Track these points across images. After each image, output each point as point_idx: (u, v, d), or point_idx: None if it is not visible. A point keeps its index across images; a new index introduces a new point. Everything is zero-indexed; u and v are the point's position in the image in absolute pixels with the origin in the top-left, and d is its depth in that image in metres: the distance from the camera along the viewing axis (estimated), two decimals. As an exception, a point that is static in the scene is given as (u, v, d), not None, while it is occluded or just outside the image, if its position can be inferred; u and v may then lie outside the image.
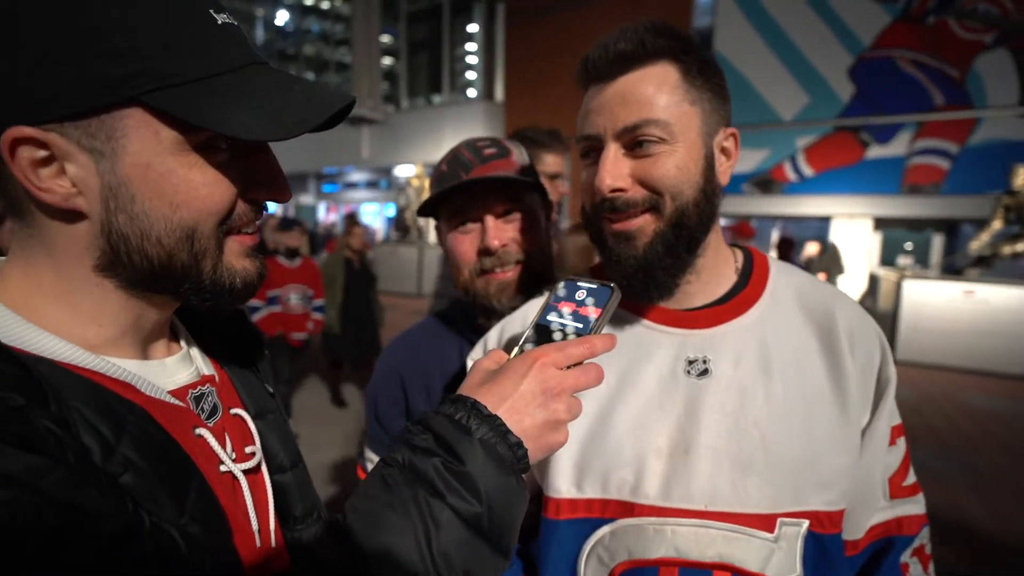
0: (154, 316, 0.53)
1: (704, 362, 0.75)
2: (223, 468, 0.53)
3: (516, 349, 0.60)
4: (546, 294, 0.65)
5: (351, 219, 5.47)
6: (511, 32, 11.97)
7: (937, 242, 10.10)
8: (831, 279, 7.93)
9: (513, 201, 0.97)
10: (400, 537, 0.45)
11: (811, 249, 8.08)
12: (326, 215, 20.81)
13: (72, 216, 0.46)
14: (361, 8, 14.17)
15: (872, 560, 0.80)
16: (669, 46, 0.71)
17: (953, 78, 8.43)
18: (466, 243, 0.98)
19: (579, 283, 0.64)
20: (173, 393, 0.53)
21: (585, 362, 0.57)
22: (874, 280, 8.64)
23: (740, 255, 0.84)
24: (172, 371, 0.56)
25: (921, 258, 10.87)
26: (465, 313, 1.09)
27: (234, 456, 0.56)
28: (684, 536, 0.69)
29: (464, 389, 0.55)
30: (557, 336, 0.60)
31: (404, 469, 0.49)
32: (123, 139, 0.44)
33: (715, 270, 0.79)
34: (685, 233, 0.72)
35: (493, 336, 0.89)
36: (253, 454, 0.59)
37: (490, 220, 0.96)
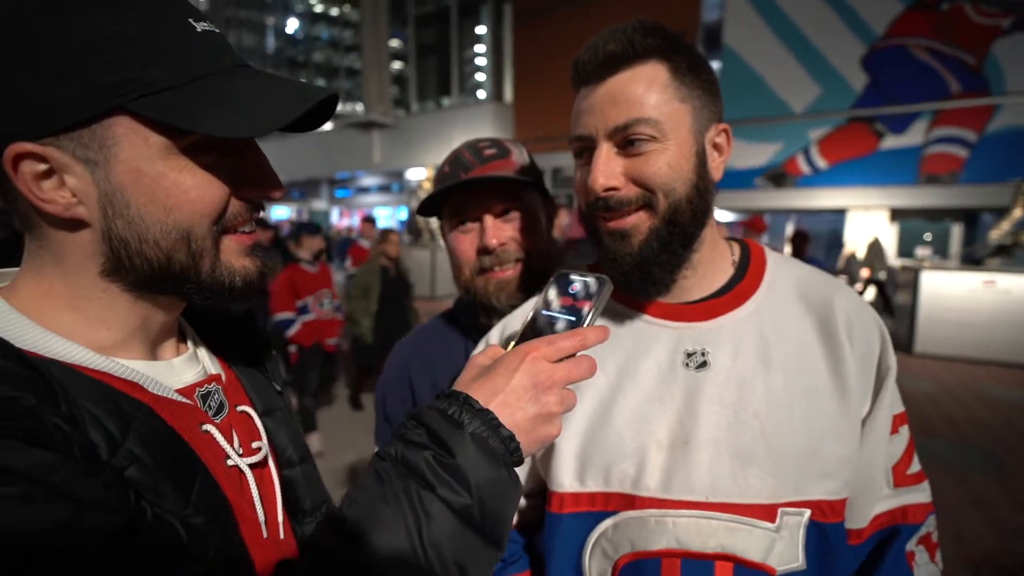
0: (160, 318, 0.55)
1: (703, 354, 0.76)
2: (230, 462, 0.56)
3: (511, 344, 0.61)
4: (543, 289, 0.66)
5: (383, 229, 5.36)
6: (519, 33, 11.98)
7: (956, 232, 9.90)
8: (874, 275, 7.79)
9: (512, 200, 0.99)
10: (392, 528, 0.47)
11: (849, 248, 7.94)
12: (339, 220, 20.98)
13: (75, 225, 0.48)
14: (369, 13, 14.28)
15: (877, 549, 0.80)
16: (658, 45, 0.72)
17: (969, 65, 8.27)
18: (466, 242, 1.00)
19: (572, 276, 0.65)
20: (180, 392, 0.55)
21: (578, 354, 0.58)
22: (891, 272, 8.50)
23: (737, 248, 0.85)
24: (179, 371, 0.58)
25: (940, 248, 10.67)
26: (470, 312, 1.10)
27: (241, 451, 0.58)
28: (685, 527, 0.70)
29: (458, 384, 0.56)
30: (550, 330, 0.61)
31: (397, 462, 0.50)
32: (114, 147, 0.46)
33: (711, 264, 0.80)
34: (679, 229, 0.73)
35: (495, 335, 0.91)
36: (259, 449, 0.61)
37: (488, 219, 0.97)
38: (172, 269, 0.51)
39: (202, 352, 0.64)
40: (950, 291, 6.48)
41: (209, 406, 0.58)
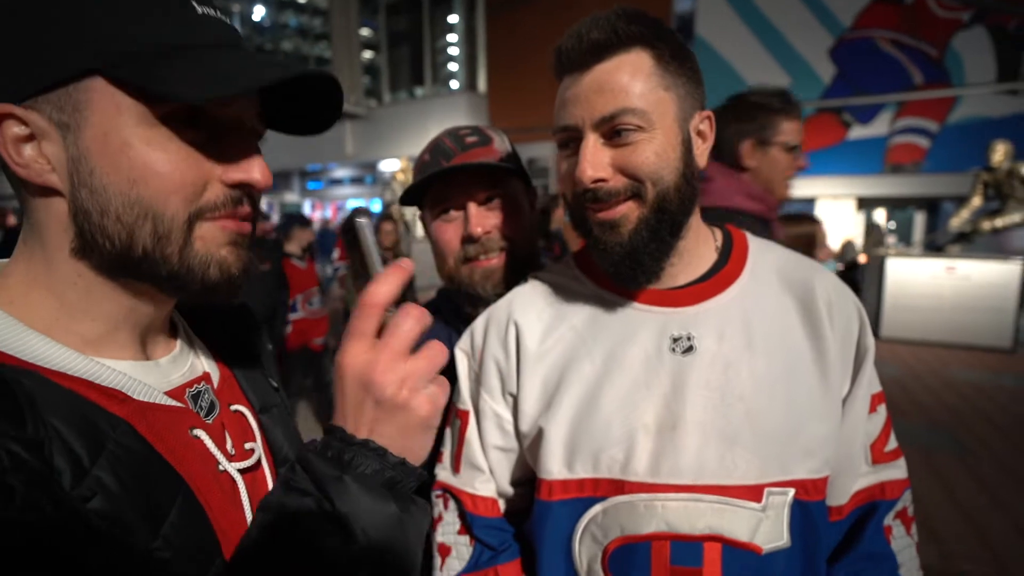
0: (148, 310, 0.52)
1: (688, 339, 0.76)
2: (220, 468, 0.53)
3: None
4: None
5: (378, 217, 5.13)
6: (492, 22, 11.89)
7: (919, 220, 10.23)
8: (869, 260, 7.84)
9: (495, 188, 0.97)
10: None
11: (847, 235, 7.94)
12: (311, 212, 20.64)
13: (50, 194, 0.47)
14: (339, 1, 13.99)
15: (857, 524, 0.82)
16: (641, 33, 0.71)
17: (932, 57, 8.51)
18: (449, 231, 0.98)
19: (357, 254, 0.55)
20: (170, 393, 0.52)
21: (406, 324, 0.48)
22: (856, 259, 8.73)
23: (719, 234, 0.86)
24: (168, 370, 0.55)
25: (904, 236, 11.01)
26: (452, 302, 1.09)
27: (233, 453, 0.56)
28: (674, 510, 0.71)
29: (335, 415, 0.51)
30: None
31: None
32: (86, 111, 0.45)
33: (695, 250, 0.81)
34: (668, 218, 0.73)
35: (479, 325, 0.90)
36: (253, 451, 0.59)
37: (472, 207, 0.96)
38: (135, 250, 0.47)
39: (194, 348, 0.62)
40: (914, 277, 6.70)
41: (200, 407, 0.55)
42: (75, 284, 0.48)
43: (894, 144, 8.86)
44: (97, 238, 0.47)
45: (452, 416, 0.91)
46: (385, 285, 0.48)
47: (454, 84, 14.62)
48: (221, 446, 0.54)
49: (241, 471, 0.56)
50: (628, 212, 0.73)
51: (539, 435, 0.79)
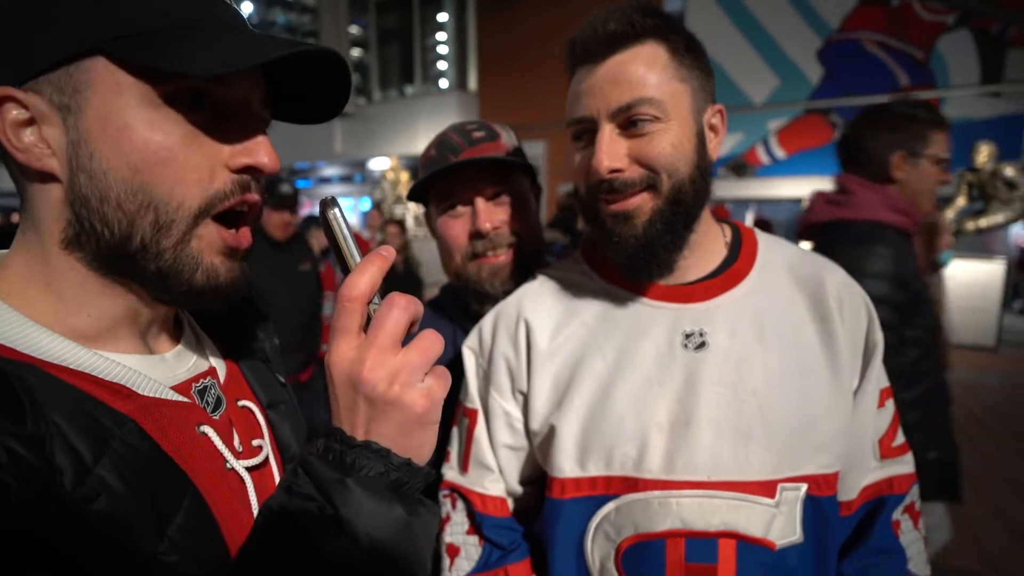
0: (146, 309, 0.51)
1: (701, 335, 0.76)
2: (228, 466, 0.52)
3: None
4: None
5: (386, 220, 4.82)
6: (483, 20, 11.85)
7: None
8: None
9: (503, 183, 0.97)
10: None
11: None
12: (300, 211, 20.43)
13: (47, 180, 0.45)
14: (328, -2, 13.88)
15: (866, 519, 0.83)
16: (656, 25, 0.71)
17: (917, 59, 8.61)
18: (457, 227, 0.97)
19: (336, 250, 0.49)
20: (176, 388, 0.51)
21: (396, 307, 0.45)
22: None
23: (728, 230, 0.86)
24: (173, 364, 0.54)
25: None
26: (457, 300, 1.08)
27: (241, 450, 0.55)
28: (689, 507, 0.71)
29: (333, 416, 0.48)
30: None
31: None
32: (87, 91, 0.43)
33: (706, 245, 0.81)
34: (683, 210, 0.73)
35: (488, 322, 0.89)
36: (260, 448, 0.58)
37: (480, 202, 0.95)
38: (133, 240, 0.45)
39: (200, 343, 0.60)
40: (901, 276, 6.79)
41: (207, 402, 0.54)
42: (69, 278, 0.47)
43: (881, 145, 8.96)
44: (96, 225, 0.45)
45: (459, 415, 0.90)
46: (364, 276, 0.44)
47: (444, 83, 14.57)
48: (228, 443, 0.53)
49: (249, 469, 0.55)
50: (642, 204, 0.73)
51: (550, 433, 0.79)
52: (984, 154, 6.70)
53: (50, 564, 0.36)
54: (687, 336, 0.76)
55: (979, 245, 7.35)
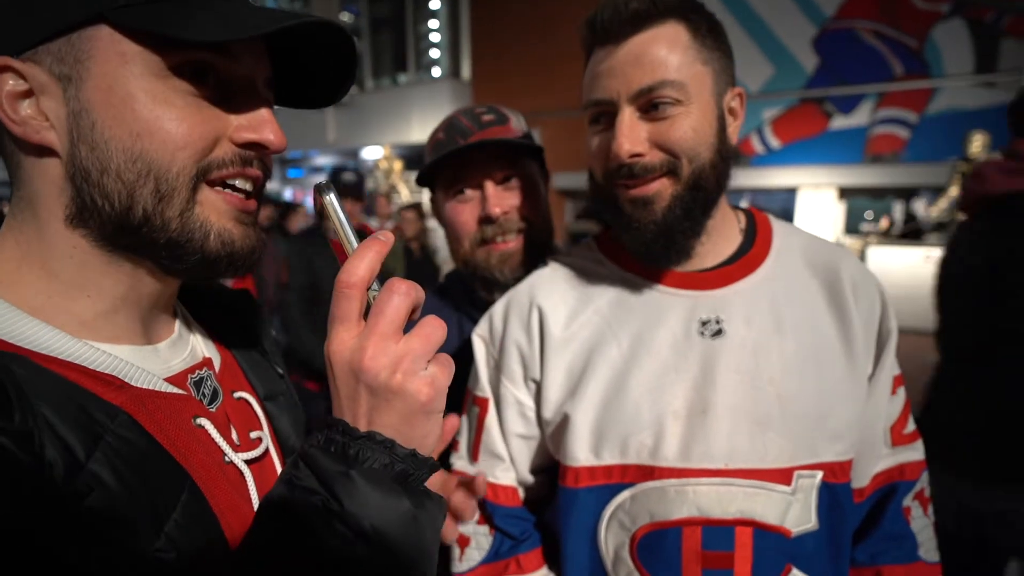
0: (149, 289, 0.49)
1: (717, 322, 0.75)
2: (226, 459, 0.50)
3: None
4: None
5: (402, 206, 4.48)
6: (476, 7, 11.73)
7: (898, 209, 10.41)
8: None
9: (513, 167, 0.95)
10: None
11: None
12: (292, 200, 20.30)
13: (45, 155, 0.44)
14: (319, -15, 13.67)
15: (877, 506, 0.83)
16: (679, 5, 0.70)
17: (912, 48, 8.61)
18: (466, 212, 0.95)
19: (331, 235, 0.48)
20: (171, 380, 0.49)
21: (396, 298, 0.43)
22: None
23: (743, 216, 0.85)
24: (167, 355, 0.52)
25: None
26: (463, 286, 1.07)
27: (239, 443, 0.54)
28: (706, 495, 0.70)
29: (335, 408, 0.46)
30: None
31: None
32: (89, 61, 0.42)
33: (722, 231, 0.80)
34: (702, 195, 0.72)
35: (499, 310, 0.88)
36: (259, 440, 0.56)
37: (490, 186, 0.93)
38: (135, 212, 0.44)
39: (194, 333, 0.58)
40: (894, 266, 6.83)
41: (203, 394, 0.52)
42: (70, 257, 0.45)
43: (875, 134, 8.97)
44: (96, 199, 0.44)
45: (469, 404, 0.89)
46: (363, 261, 0.43)
47: (437, 71, 14.44)
48: (226, 436, 0.52)
49: (248, 462, 0.53)
50: (662, 189, 0.72)
51: (564, 421, 0.78)
52: (978, 144, 6.73)
53: (42, 564, 0.34)
54: (703, 323, 0.75)
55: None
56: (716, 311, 0.76)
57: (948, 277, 1.61)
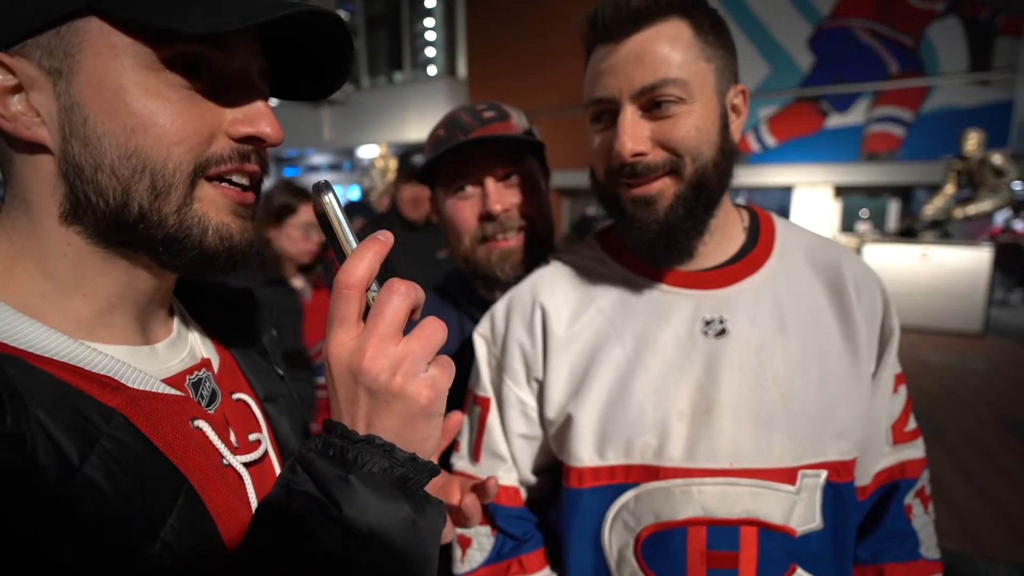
0: (146, 286, 0.48)
1: (721, 322, 0.75)
2: (225, 462, 0.50)
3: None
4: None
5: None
6: (472, 5, 11.70)
7: (894, 208, 10.45)
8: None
9: (513, 164, 0.94)
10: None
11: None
12: (288, 200, 20.20)
13: (37, 151, 0.43)
14: (315, -17, 13.62)
15: (879, 504, 0.83)
16: (680, 1, 0.69)
17: (907, 46, 8.64)
18: (466, 209, 0.95)
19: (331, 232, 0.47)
20: (169, 381, 0.49)
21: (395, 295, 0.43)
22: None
23: (746, 214, 0.85)
24: (165, 356, 0.51)
25: (878, 223, 11.25)
26: (463, 285, 1.06)
27: (237, 445, 0.53)
28: (711, 495, 0.70)
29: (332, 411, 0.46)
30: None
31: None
32: (79, 55, 0.41)
33: (725, 230, 0.79)
34: (705, 194, 0.71)
35: (500, 309, 0.87)
36: (258, 442, 0.55)
37: (491, 183, 0.93)
38: (131, 208, 0.43)
39: (192, 333, 0.57)
40: (890, 264, 6.85)
41: (201, 395, 0.52)
42: (65, 255, 0.44)
43: (870, 133, 9.00)
44: (90, 196, 0.43)
45: (470, 403, 0.89)
46: (362, 261, 0.42)
47: (433, 70, 14.40)
48: (224, 438, 0.51)
49: (247, 464, 0.52)
50: (664, 188, 0.71)
51: (567, 422, 0.77)
52: (973, 142, 6.76)
53: (35, 569, 0.33)
54: (707, 323, 0.75)
55: (966, 232, 7.43)
56: (720, 311, 0.75)
57: None
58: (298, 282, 2.19)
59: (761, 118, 9.61)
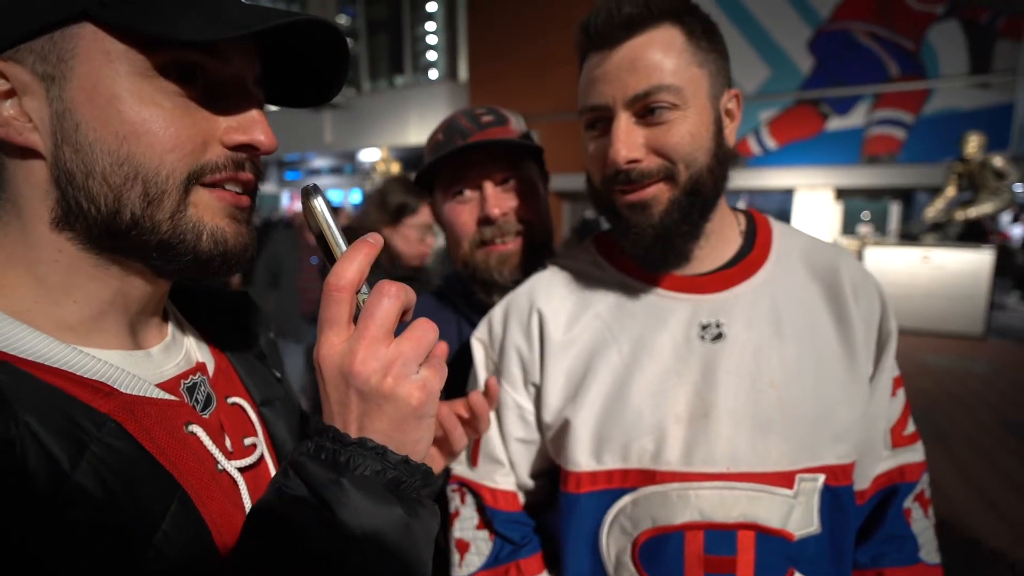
0: (138, 292, 0.48)
1: (718, 326, 0.75)
2: (219, 467, 0.49)
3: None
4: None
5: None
6: (472, 9, 11.74)
7: (895, 210, 10.45)
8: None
9: (512, 168, 0.95)
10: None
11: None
12: (290, 203, 20.28)
13: (29, 156, 0.43)
14: (316, -13, 13.69)
15: (878, 508, 0.83)
16: (672, 7, 0.70)
17: (907, 49, 8.65)
18: (465, 213, 0.95)
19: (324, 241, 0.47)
20: (163, 386, 0.48)
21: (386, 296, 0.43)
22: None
23: (743, 218, 0.85)
24: (160, 361, 0.51)
25: (879, 226, 11.25)
26: (462, 288, 1.06)
27: (232, 450, 0.52)
28: (708, 499, 0.70)
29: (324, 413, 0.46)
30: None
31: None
32: (72, 60, 0.41)
33: (721, 234, 0.79)
34: (700, 199, 0.71)
35: (498, 313, 0.87)
36: (254, 447, 0.55)
37: (489, 187, 0.93)
38: (122, 216, 0.43)
39: (187, 336, 0.57)
40: (891, 266, 6.85)
41: (196, 400, 0.51)
42: (56, 261, 0.44)
43: (871, 135, 9.01)
44: (81, 202, 0.43)
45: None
46: (352, 264, 0.42)
47: (434, 73, 14.44)
48: (219, 443, 0.50)
49: (242, 469, 0.52)
50: (659, 193, 0.71)
51: (564, 426, 0.77)
52: (973, 144, 6.75)
53: None
54: (704, 327, 0.75)
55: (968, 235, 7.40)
56: (716, 315, 0.76)
57: None
58: None
59: (762, 121, 9.62)
